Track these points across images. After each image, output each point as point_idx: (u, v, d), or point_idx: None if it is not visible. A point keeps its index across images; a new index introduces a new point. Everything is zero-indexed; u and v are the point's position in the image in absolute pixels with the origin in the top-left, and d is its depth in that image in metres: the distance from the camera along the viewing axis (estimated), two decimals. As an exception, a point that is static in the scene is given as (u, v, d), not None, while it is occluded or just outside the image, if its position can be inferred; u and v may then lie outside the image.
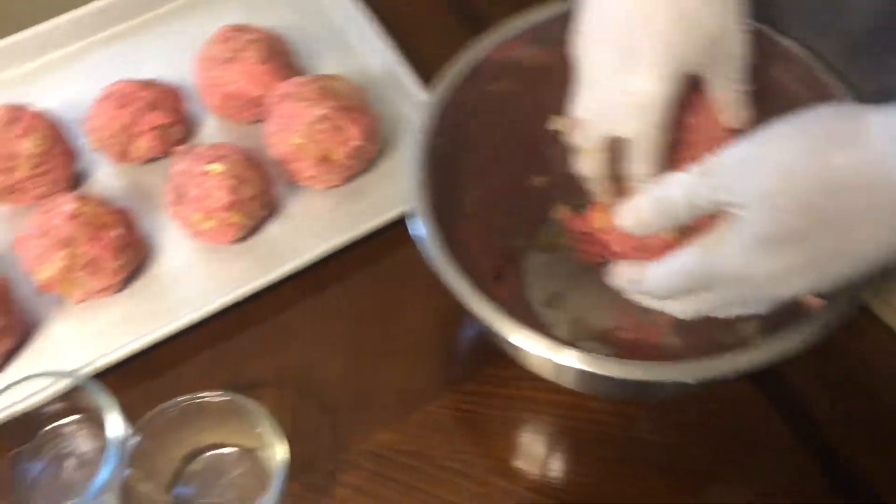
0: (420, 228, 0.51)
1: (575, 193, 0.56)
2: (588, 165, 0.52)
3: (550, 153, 0.58)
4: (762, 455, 0.57)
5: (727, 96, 0.50)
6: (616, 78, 0.48)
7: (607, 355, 0.47)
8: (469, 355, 0.63)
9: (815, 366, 0.57)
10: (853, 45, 0.55)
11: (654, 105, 0.47)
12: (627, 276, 0.48)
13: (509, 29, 0.58)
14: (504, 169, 0.61)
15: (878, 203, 0.36)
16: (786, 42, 0.54)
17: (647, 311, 0.58)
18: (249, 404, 0.53)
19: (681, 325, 0.58)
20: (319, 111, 0.64)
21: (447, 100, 0.56)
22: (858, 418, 0.58)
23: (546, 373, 0.53)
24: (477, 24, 0.76)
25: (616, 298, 0.55)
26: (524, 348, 0.47)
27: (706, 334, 0.56)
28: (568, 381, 0.53)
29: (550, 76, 0.55)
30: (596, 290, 0.59)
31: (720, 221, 0.41)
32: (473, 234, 0.58)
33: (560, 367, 0.48)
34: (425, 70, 0.71)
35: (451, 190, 0.57)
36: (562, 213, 0.58)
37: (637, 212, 0.45)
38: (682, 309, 0.47)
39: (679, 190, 0.42)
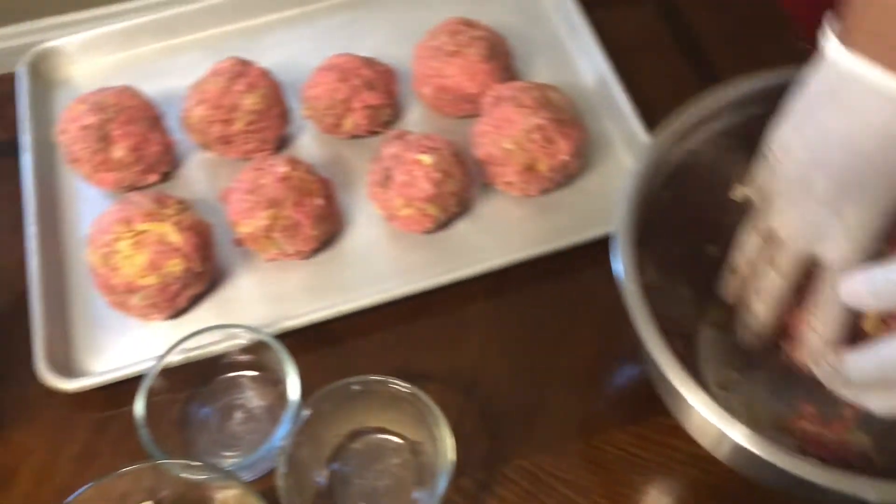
0: (621, 269, 0.50)
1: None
2: (770, 283, 0.50)
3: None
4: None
5: None
6: (833, 204, 0.46)
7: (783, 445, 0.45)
8: (641, 397, 0.61)
9: None
10: None
11: (866, 235, 0.46)
12: (827, 360, 0.46)
13: (742, 87, 0.56)
14: (693, 233, 0.59)
15: None
16: None
17: (831, 404, 0.55)
18: (427, 399, 0.54)
19: (870, 421, 0.55)
20: (535, 120, 0.63)
21: (669, 146, 0.55)
22: None
23: (707, 442, 0.51)
24: (696, 65, 0.75)
25: (796, 386, 0.53)
26: (697, 409, 0.46)
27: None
28: (726, 457, 0.52)
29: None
30: (774, 376, 0.58)
31: None
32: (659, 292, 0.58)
33: (723, 438, 0.46)
34: (637, 95, 0.70)
35: (649, 240, 0.56)
36: None
37: (859, 288, 0.42)
38: (881, 404, 0.44)
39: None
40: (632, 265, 0.51)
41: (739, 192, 0.53)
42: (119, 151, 0.66)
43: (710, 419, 0.46)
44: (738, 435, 0.46)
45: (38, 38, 0.79)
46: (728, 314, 0.61)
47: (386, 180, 0.64)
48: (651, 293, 0.58)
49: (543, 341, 0.63)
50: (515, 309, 0.65)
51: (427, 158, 0.62)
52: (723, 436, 0.47)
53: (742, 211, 0.54)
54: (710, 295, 0.61)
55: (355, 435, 0.58)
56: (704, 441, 0.51)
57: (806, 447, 0.56)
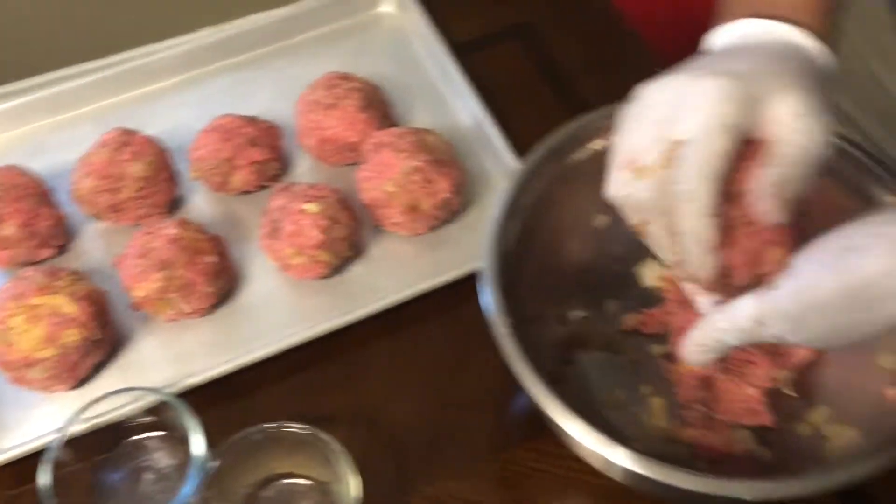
0: (490, 308, 0.54)
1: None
2: (642, 189, 0.46)
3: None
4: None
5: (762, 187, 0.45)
6: (666, 126, 0.45)
7: (666, 458, 0.49)
8: (538, 414, 0.64)
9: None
10: None
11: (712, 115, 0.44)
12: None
13: (603, 115, 0.60)
14: (572, 251, 0.63)
15: None
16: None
17: (712, 411, 0.59)
18: (327, 438, 0.56)
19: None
20: (413, 163, 0.67)
21: (535, 171, 0.59)
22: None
23: (600, 465, 0.54)
24: (564, 96, 0.80)
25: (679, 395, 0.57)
26: (578, 440, 0.50)
27: (783, 436, 0.58)
28: (621, 478, 0.55)
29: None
30: (660, 391, 0.62)
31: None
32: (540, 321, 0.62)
33: (615, 466, 0.50)
34: (511, 130, 0.75)
35: (526, 269, 0.60)
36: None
37: (696, 353, 0.48)
38: None
39: (733, 336, 0.45)
40: (500, 301, 0.54)
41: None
42: (9, 229, 0.66)
43: (588, 446, 0.50)
44: (620, 457, 0.49)
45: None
46: (616, 334, 0.65)
47: (275, 232, 0.66)
48: (532, 322, 0.62)
49: (442, 371, 0.66)
50: (413, 343, 0.67)
51: (313, 207, 0.65)
52: (606, 460, 0.50)
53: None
54: (599, 315, 0.66)
55: (265, 483, 0.59)
56: (594, 463, 0.54)
57: (697, 453, 0.60)
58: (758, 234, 0.45)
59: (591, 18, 0.86)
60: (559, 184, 0.62)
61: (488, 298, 0.54)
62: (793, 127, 0.43)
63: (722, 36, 0.50)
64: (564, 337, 0.65)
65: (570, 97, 0.79)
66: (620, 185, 0.46)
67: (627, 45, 0.84)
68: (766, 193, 0.43)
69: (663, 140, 0.44)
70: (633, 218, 0.48)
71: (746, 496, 0.47)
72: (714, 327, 0.45)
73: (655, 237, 0.47)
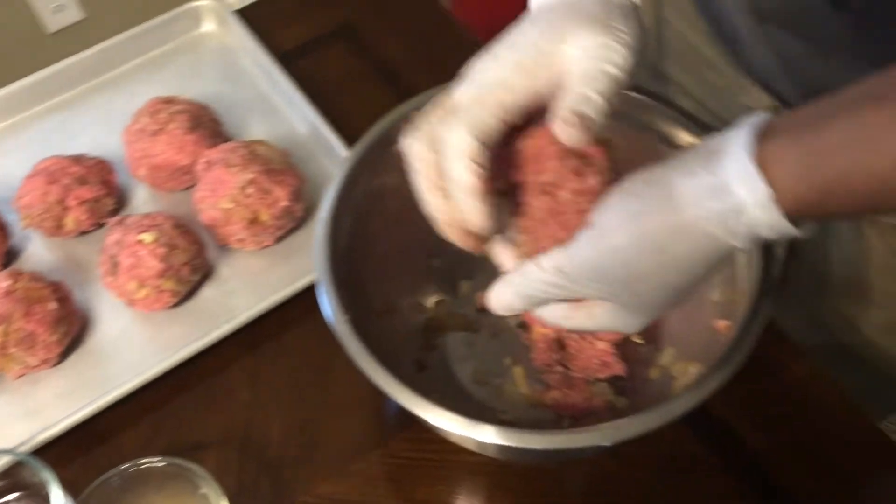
0: (328, 312, 0.54)
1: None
2: (417, 138, 0.47)
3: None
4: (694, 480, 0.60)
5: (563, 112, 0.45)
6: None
7: (533, 423, 0.49)
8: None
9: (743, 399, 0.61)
10: None
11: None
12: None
13: (427, 99, 0.61)
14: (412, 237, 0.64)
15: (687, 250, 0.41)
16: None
17: (569, 370, 0.61)
18: (191, 467, 0.55)
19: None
20: (247, 176, 0.66)
21: (362, 163, 0.59)
22: (783, 441, 0.61)
23: (472, 446, 0.56)
24: (397, 90, 0.81)
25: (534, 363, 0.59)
26: (439, 426, 0.50)
27: (637, 383, 0.60)
28: (493, 453, 0.57)
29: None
30: (519, 359, 0.63)
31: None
32: (389, 320, 0.62)
33: (481, 444, 0.51)
34: (348, 130, 0.75)
35: (363, 259, 0.60)
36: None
37: (501, 300, 0.48)
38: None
39: (537, 287, 0.45)
40: (337, 302, 0.54)
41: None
42: None
43: (451, 430, 0.50)
44: (482, 434, 0.49)
45: None
46: (473, 313, 0.66)
47: (115, 268, 0.64)
48: (386, 315, 0.63)
49: (308, 379, 0.66)
50: (277, 358, 0.67)
51: (148, 237, 0.64)
52: (471, 440, 0.50)
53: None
54: (454, 298, 0.67)
55: (138, 523, 0.58)
56: (464, 444, 0.55)
57: (561, 412, 0.61)
58: (567, 219, 0.46)
59: (413, 15, 0.87)
60: (390, 172, 0.62)
61: (324, 301, 0.54)
62: (583, 55, 0.44)
63: None
64: (423, 324, 0.66)
65: (402, 90, 0.80)
66: (407, 137, 0.47)
67: (452, 37, 0.85)
68: (566, 116, 0.43)
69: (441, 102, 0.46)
70: (414, 170, 0.48)
71: (604, 442, 0.49)
72: (520, 279, 0.46)
73: (423, 188, 0.47)
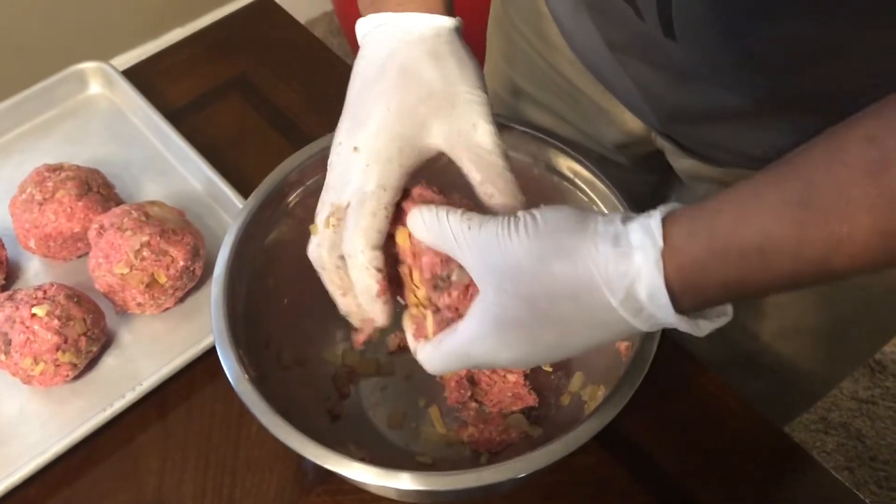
0: (228, 370, 0.53)
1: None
2: (314, 246, 0.51)
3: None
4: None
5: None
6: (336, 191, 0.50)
7: (448, 465, 0.50)
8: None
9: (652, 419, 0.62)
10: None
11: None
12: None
13: (319, 145, 0.61)
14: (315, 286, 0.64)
15: (583, 308, 0.41)
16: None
17: (482, 405, 0.61)
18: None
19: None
20: (140, 238, 0.65)
21: (258, 214, 0.59)
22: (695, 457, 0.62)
23: (392, 494, 0.55)
24: (295, 136, 0.81)
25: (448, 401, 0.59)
26: (354, 479, 0.50)
27: (550, 410, 0.60)
28: (413, 499, 0.57)
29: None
30: (434, 399, 0.63)
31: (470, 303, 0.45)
32: (298, 372, 0.61)
33: (400, 491, 0.51)
34: (248, 180, 0.73)
35: (266, 313, 0.60)
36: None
37: (436, 370, 0.49)
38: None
39: (459, 365, 0.47)
40: (239, 364, 0.53)
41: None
42: None
43: (366, 481, 0.50)
44: (401, 482, 0.49)
45: None
46: (385, 356, 0.66)
47: (7, 346, 0.62)
48: (296, 368, 0.62)
49: (222, 439, 0.64)
50: (187, 421, 0.65)
51: (40, 310, 0.61)
52: (386, 489, 0.50)
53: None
54: (365, 344, 0.66)
55: None
56: (381, 493, 0.55)
57: (478, 449, 0.61)
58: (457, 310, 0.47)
59: (305, 62, 0.87)
60: (287, 222, 0.62)
61: (224, 362, 0.53)
62: (454, 143, 0.49)
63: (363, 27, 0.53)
64: (334, 373, 0.65)
65: (299, 137, 0.80)
66: (311, 244, 0.51)
67: (346, 81, 0.85)
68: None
69: (329, 203, 0.50)
70: (321, 275, 0.52)
71: (516, 475, 0.49)
72: (436, 359, 0.47)
73: (331, 290, 0.51)
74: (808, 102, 0.50)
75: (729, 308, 0.42)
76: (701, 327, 0.41)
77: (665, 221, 0.39)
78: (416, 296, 0.48)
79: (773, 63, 0.48)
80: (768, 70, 0.49)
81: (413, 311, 0.50)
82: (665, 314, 0.39)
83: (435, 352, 0.47)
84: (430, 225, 0.45)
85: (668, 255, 0.38)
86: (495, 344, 0.43)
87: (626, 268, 0.39)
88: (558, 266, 0.40)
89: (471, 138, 0.49)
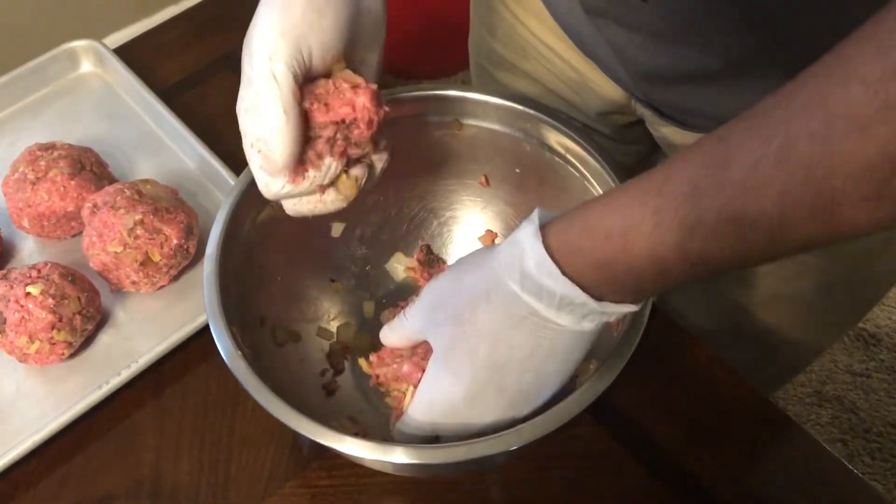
0: (222, 348, 0.53)
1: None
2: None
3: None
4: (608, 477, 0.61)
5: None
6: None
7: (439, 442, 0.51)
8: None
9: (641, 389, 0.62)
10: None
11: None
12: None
13: None
14: (309, 262, 0.64)
15: (497, 308, 0.46)
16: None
17: None
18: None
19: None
20: (134, 217, 0.65)
21: (250, 191, 0.59)
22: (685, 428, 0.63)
23: (388, 469, 0.56)
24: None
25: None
26: (347, 453, 0.50)
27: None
28: (409, 472, 0.58)
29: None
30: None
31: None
32: (293, 349, 0.62)
33: (395, 465, 0.52)
34: (241, 160, 0.74)
35: (257, 291, 0.60)
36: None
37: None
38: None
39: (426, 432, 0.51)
40: (232, 342, 0.53)
41: None
42: None
43: (360, 455, 0.50)
44: (398, 457, 0.49)
45: None
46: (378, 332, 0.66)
47: (2, 325, 0.62)
48: (290, 343, 0.62)
49: (217, 418, 0.64)
50: (182, 398, 0.65)
51: (34, 289, 0.62)
52: (381, 462, 0.51)
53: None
54: (359, 319, 0.67)
55: (47, 584, 0.56)
56: (377, 467, 0.55)
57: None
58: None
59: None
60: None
61: (218, 340, 0.53)
62: None
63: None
64: (329, 349, 0.66)
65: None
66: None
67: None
68: None
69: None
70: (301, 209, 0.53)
71: (510, 447, 0.49)
72: (407, 422, 0.52)
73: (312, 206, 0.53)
74: (778, 64, 0.50)
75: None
76: (608, 310, 0.44)
77: (553, 219, 0.44)
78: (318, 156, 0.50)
79: (743, 22, 0.49)
80: (738, 30, 0.50)
81: (394, 393, 0.54)
82: (555, 281, 0.43)
83: (406, 417, 0.51)
84: (393, 332, 0.54)
85: (547, 233, 0.43)
86: (450, 380, 0.48)
87: (514, 249, 0.44)
88: (469, 277, 0.47)
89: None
